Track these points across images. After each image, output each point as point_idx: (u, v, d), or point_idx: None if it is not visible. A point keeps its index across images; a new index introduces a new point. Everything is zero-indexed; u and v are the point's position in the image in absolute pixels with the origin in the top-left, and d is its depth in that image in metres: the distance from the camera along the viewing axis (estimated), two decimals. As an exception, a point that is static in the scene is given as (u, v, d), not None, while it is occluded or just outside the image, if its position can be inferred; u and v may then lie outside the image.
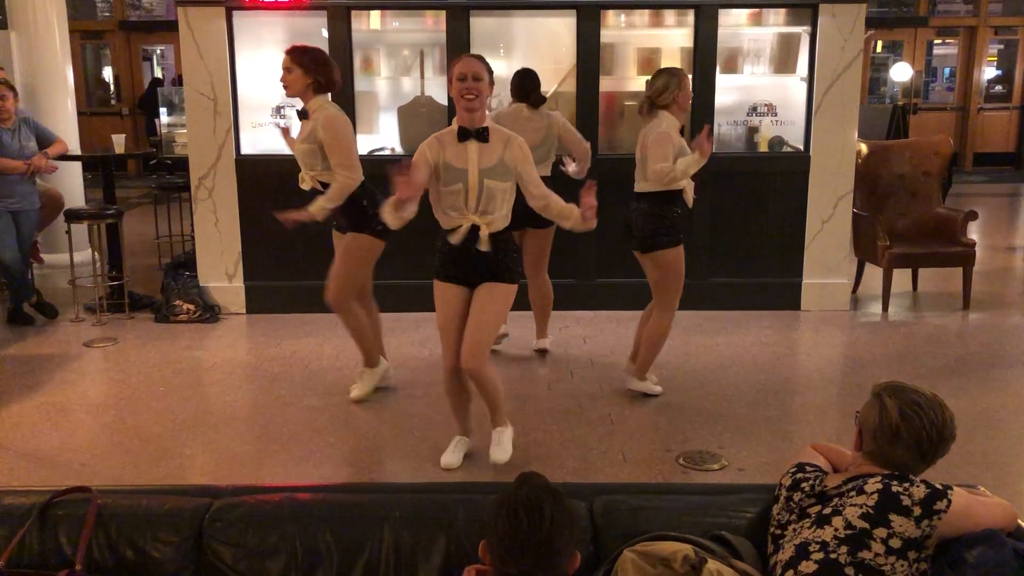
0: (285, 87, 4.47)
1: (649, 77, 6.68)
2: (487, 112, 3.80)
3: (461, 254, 3.74)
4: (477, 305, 3.78)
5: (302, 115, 4.51)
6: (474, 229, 3.69)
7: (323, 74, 4.45)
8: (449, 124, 6.31)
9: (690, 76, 6.40)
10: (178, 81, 9.30)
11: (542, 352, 5.64)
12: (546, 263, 5.49)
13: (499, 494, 1.95)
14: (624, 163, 6.52)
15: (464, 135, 3.67)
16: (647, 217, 4.61)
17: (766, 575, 2.10)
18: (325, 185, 4.46)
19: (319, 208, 4.41)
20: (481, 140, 3.68)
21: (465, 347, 3.77)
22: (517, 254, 3.95)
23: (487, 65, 3.72)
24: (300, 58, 4.43)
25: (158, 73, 15.57)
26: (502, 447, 4.05)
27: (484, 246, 3.70)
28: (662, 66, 6.68)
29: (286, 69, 4.44)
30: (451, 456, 4.10)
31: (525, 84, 5.37)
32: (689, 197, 4.66)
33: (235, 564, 2.16)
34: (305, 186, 4.53)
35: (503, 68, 6.96)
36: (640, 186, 4.67)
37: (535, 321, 5.64)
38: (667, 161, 4.46)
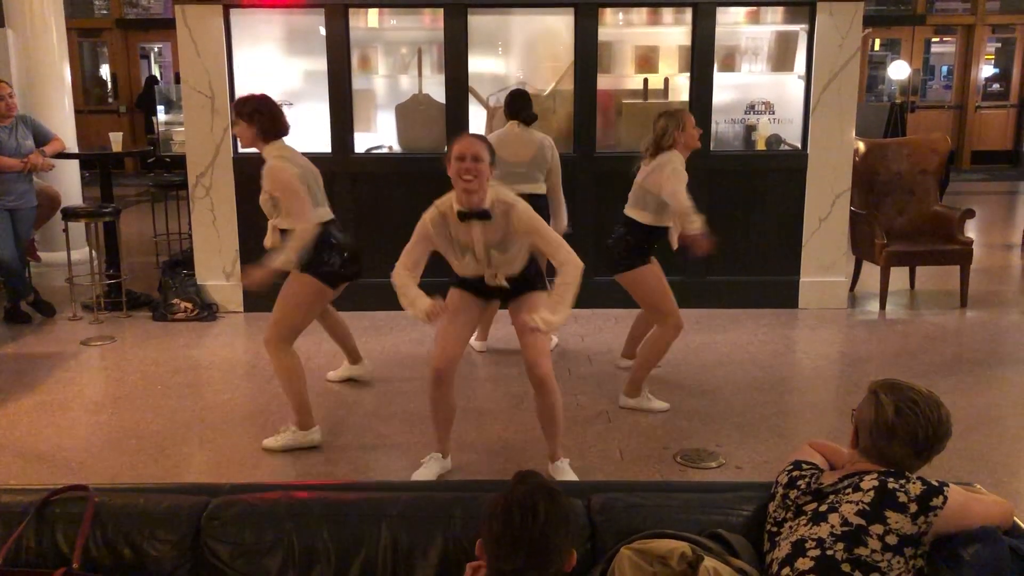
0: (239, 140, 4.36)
1: (648, 76, 6.74)
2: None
3: (484, 286, 3.82)
4: (520, 312, 3.76)
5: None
6: (493, 277, 3.76)
7: (266, 121, 4.14)
8: (447, 123, 6.37)
9: (686, 75, 6.44)
10: (177, 79, 9.29)
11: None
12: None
13: (496, 492, 1.95)
14: (622, 161, 6.51)
15: (464, 217, 3.60)
16: (620, 240, 4.64)
17: (763, 572, 2.10)
18: (285, 233, 4.16)
19: (284, 261, 4.10)
20: (483, 219, 3.60)
21: (533, 352, 3.67)
22: (536, 265, 3.89)
23: (488, 145, 3.60)
24: (240, 108, 4.18)
25: (155, 71, 15.54)
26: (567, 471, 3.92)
27: (505, 285, 3.78)
28: (660, 64, 6.74)
29: (232, 123, 4.34)
30: (425, 473, 3.94)
31: (516, 103, 5.41)
32: (674, 239, 4.69)
33: (232, 562, 2.16)
34: (267, 242, 4.27)
35: (501, 67, 6.98)
36: (631, 212, 4.63)
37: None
38: (684, 195, 4.49)
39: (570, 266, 3.62)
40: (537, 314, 3.56)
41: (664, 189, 4.47)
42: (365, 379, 5.15)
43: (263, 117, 4.16)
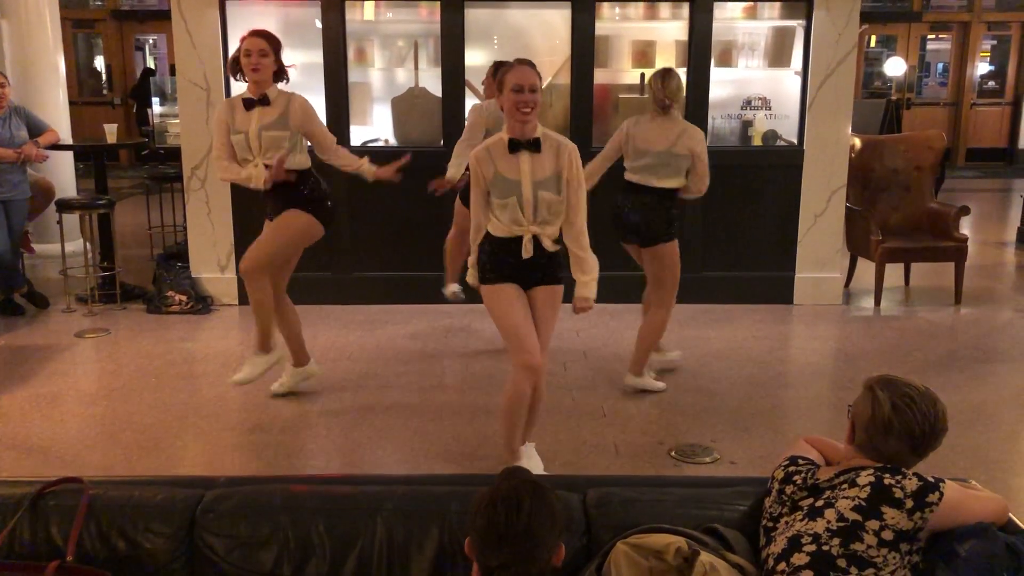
0: (255, 71, 4.24)
1: (645, 71, 6.73)
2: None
3: (515, 258, 3.57)
4: (540, 305, 3.63)
5: (256, 103, 4.28)
6: (532, 238, 3.55)
7: (280, 61, 4.40)
8: (443, 116, 6.35)
9: (683, 70, 6.43)
10: (172, 71, 9.27)
11: None
12: None
13: (482, 489, 1.95)
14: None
15: (515, 146, 3.50)
16: (654, 212, 4.64)
17: (758, 567, 2.10)
18: (297, 175, 4.42)
19: (372, 171, 4.58)
20: (533, 150, 3.50)
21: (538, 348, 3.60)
22: (565, 255, 3.71)
23: (539, 74, 3.51)
24: (276, 44, 4.34)
25: (151, 63, 15.48)
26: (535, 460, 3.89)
27: (551, 247, 3.58)
28: (656, 59, 6.73)
29: (261, 53, 4.25)
30: (537, 464, 3.82)
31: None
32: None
33: (227, 555, 2.16)
34: (258, 182, 4.30)
35: (496, 59, 6.95)
36: (665, 182, 4.63)
37: None
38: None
39: (585, 237, 3.61)
40: (579, 296, 3.62)
41: (704, 157, 4.60)
42: (312, 382, 4.92)
43: (279, 57, 4.39)
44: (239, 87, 6.36)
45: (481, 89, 5.97)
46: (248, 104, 4.30)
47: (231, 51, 6.30)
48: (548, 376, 5.08)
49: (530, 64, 3.54)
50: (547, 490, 1.93)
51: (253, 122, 4.28)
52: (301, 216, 4.43)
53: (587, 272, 3.64)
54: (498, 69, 5.37)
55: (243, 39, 4.33)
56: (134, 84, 14.52)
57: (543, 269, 3.60)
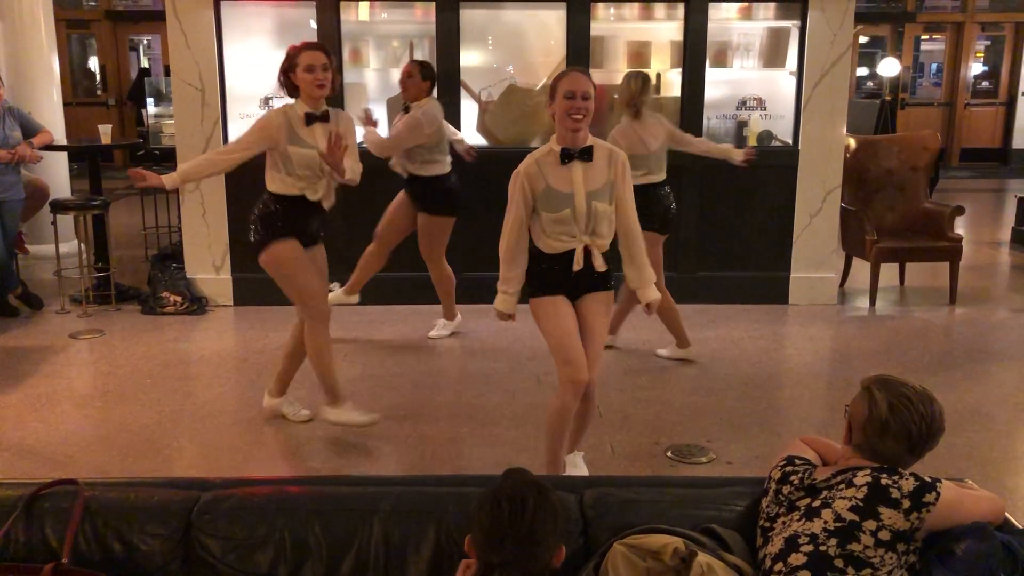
0: (322, 87, 3.97)
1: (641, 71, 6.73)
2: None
3: (566, 271, 3.47)
4: (590, 316, 3.53)
5: (318, 119, 4.03)
6: (586, 251, 3.45)
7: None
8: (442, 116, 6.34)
9: (678, 71, 6.44)
10: (167, 71, 9.25)
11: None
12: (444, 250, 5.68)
13: (485, 488, 1.95)
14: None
15: (567, 157, 3.40)
16: (669, 199, 5.15)
17: (755, 568, 2.10)
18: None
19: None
20: (585, 160, 3.41)
21: (592, 360, 3.52)
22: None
23: (593, 83, 3.42)
24: (331, 57, 4.08)
25: (145, 63, 15.45)
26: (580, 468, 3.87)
27: (601, 267, 3.48)
28: (652, 59, 6.74)
29: (325, 68, 3.97)
30: (583, 470, 3.84)
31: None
32: None
33: (224, 557, 2.15)
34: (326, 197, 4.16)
35: (493, 61, 6.96)
36: (661, 175, 5.09)
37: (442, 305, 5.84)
38: None
39: (640, 236, 3.57)
40: (643, 296, 3.57)
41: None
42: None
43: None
44: (235, 87, 6.40)
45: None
46: (310, 119, 4.00)
47: (226, 52, 6.34)
48: (545, 377, 5.12)
49: (583, 71, 3.48)
50: (550, 491, 1.93)
51: (320, 139, 3.98)
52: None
53: (650, 288, 3.57)
54: (423, 67, 5.40)
55: (299, 52, 3.99)
56: (131, 85, 14.49)
57: (595, 276, 3.52)
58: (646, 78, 5.10)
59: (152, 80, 10.24)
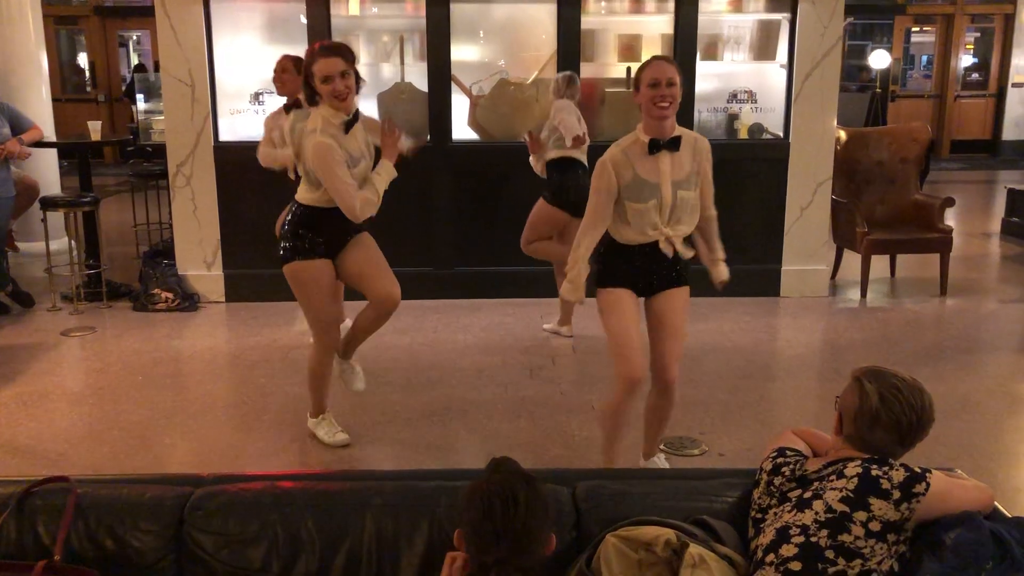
0: (341, 99, 3.70)
1: (631, 64, 6.74)
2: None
3: (641, 263, 3.45)
4: (670, 313, 3.50)
5: (353, 122, 3.84)
6: (667, 241, 3.43)
7: (357, 71, 3.97)
8: (430, 111, 6.34)
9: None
10: (157, 67, 9.21)
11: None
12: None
13: (472, 482, 1.95)
14: (605, 150, 6.52)
15: (655, 147, 3.36)
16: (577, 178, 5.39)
17: (747, 559, 2.11)
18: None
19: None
20: (673, 150, 3.37)
21: (670, 358, 3.50)
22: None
23: (679, 69, 3.37)
24: (351, 56, 3.78)
25: (134, 59, 15.39)
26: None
27: (685, 255, 3.48)
28: (643, 53, 6.75)
29: (343, 75, 3.68)
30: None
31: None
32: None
33: (217, 552, 2.15)
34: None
35: (484, 55, 6.96)
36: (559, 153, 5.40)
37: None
38: None
39: (715, 218, 3.63)
40: (715, 274, 3.63)
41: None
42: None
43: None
44: (225, 83, 6.38)
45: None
46: (348, 126, 3.78)
47: (216, 47, 6.32)
48: (538, 371, 5.13)
49: (667, 59, 3.43)
50: (537, 481, 1.93)
51: (363, 145, 3.84)
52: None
53: (720, 253, 3.64)
54: (299, 63, 4.90)
55: (313, 59, 3.69)
56: (129, 82, 14.42)
57: (670, 271, 3.49)
58: (572, 77, 5.52)
59: (148, 76, 10.18)
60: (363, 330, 4.21)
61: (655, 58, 3.44)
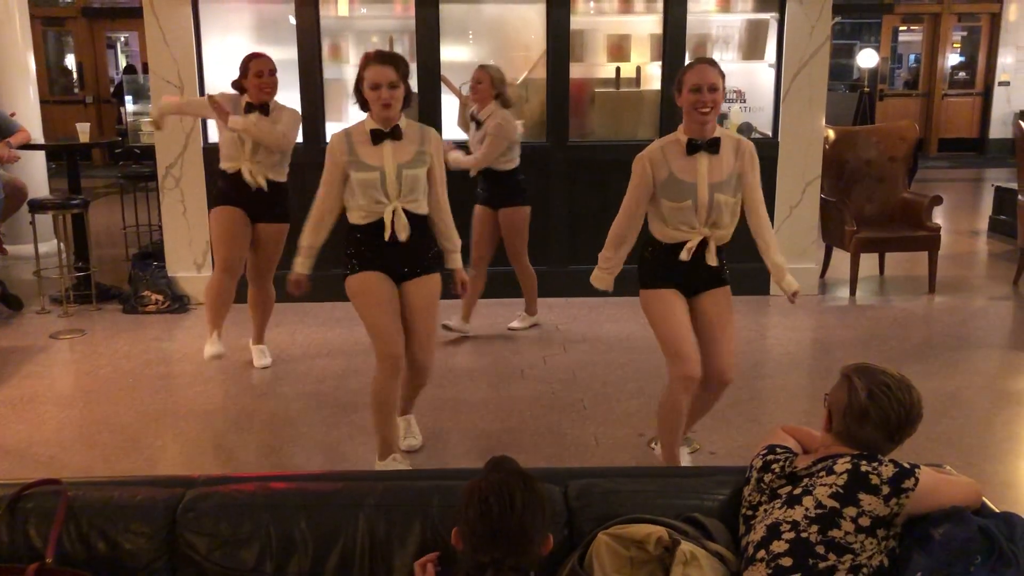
0: (388, 107, 3.56)
1: (620, 64, 6.75)
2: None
3: (681, 263, 3.45)
4: (717, 312, 3.51)
5: (387, 136, 3.64)
6: (702, 243, 3.44)
7: (409, 85, 3.87)
8: (419, 112, 6.33)
9: (658, 63, 6.45)
10: (145, 68, 9.18)
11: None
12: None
13: (470, 480, 1.96)
14: (595, 150, 6.55)
15: (694, 148, 3.38)
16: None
17: (738, 555, 2.13)
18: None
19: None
20: (712, 152, 3.39)
21: (726, 358, 3.52)
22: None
23: (722, 72, 3.38)
24: (405, 68, 3.65)
25: (122, 60, 15.33)
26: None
27: (713, 261, 3.46)
28: (632, 53, 6.76)
29: (392, 85, 3.55)
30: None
31: None
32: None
33: (209, 554, 2.15)
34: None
35: (473, 56, 6.95)
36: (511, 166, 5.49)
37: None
38: None
39: (770, 226, 3.57)
40: (786, 285, 3.55)
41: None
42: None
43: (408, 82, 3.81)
44: (214, 84, 6.36)
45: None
46: (377, 136, 3.61)
47: (204, 48, 6.30)
48: (529, 370, 5.14)
49: (710, 62, 3.42)
50: (535, 480, 1.94)
51: (388, 159, 3.62)
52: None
53: (783, 262, 3.58)
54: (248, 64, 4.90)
55: (366, 65, 3.60)
56: (118, 83, 14.37)
57: (711, 271, 3.49)
58: (497, 70, 5.48)
59: (139, 78, 10.15)
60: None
61: (698, 61, 3.44)
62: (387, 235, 3.59)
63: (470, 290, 5.47)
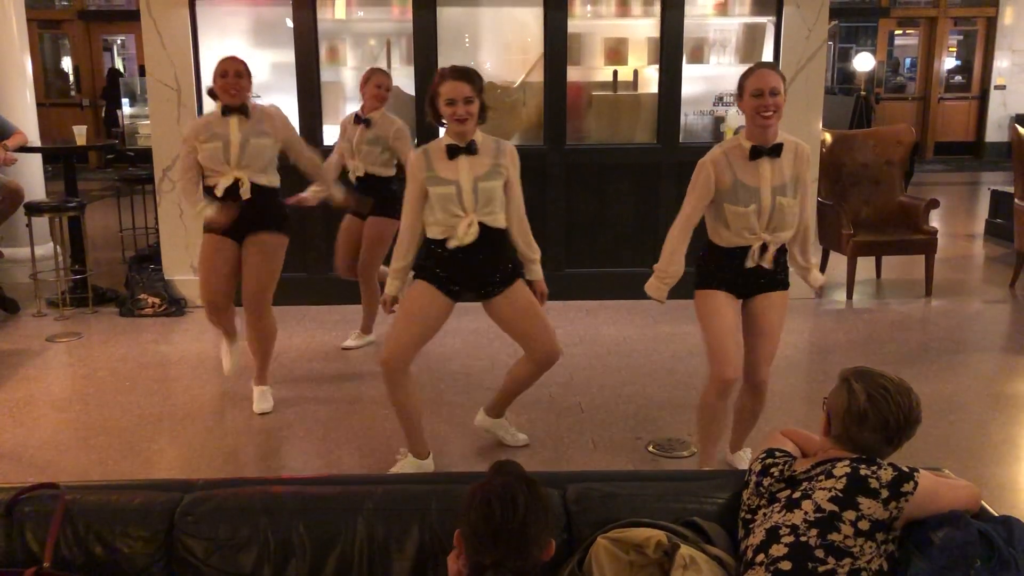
0: (464, 123, 3.57)
1: (617, 68, 6.76)
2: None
3: (739, 267, 3.48)
4: (767, 315, 3.54)
5: (463, 151, 3.62)
6: (762, 247, 3.46)
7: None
8: (416, 115, 6.33)
9: (655, 67, 6.45)
10: (142, 71, 9.17)
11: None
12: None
13: (474, 483, 1.96)
14: (592, 153, 6.56)
15: (757, 153, 3.39)
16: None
17: (737, 559, 2.12)
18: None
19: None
20: (774, 156, 3.41)
21: (762, 359, 3.57)
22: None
23: (782, 75, 3.42)
24: (481, 83, 3.67)
25: (119, 63, 15.31)
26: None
27: (768, 263, 3.47)
28: (628, 56, 6.77)
29: (467, 100, 3.55)
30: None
31: None
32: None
33: (207, 558, 2.14)
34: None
35: (471, 59, 6.96)
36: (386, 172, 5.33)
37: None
38: None
39: (810, 225, 3.66)
40: (812, 279, 3.68)
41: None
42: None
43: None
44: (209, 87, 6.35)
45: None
46: (452, 151, 3.61)
47: (201, 51, 6.30)
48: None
49: (771, 66, 3.46)
50: (538, 485, 1.94)
51: (463, 173, 3.61)
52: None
53: (815, 259, 3.69)
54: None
55: (441, 80, 3.61)
56: (103, 86, 14.36)
57: (768, 275, 3.52)
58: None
59: (127, 79, 10.15)
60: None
61: (759, 65, 3.45)
62: (459, 242, 3.59)
63: (365, 302, 5.50)
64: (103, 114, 14.09)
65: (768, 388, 3.70)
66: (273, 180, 4.47)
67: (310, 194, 5.02)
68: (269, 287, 4.48)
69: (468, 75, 3.59)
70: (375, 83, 5.24)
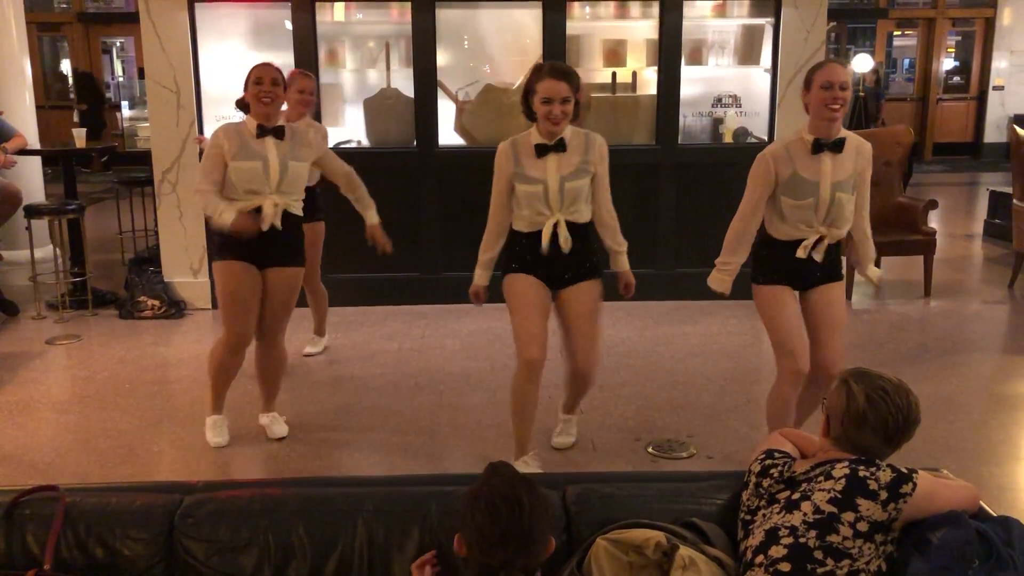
0: (557, 124, 3.57)
1: (616, 69, 6.76)
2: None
3: (794, 259, 3.50)
4: (829, 307, 3.56)
5: (551, 149, 3.62)
6: (818, 240, 3.48)
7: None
8: (416, 117, 6.34)
9: (654, 68, 6.46)
10: (141, 74, 9.17)
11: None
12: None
13: (471, 486, 1.96)
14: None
15: (819, 147, 3.42)
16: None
17: (737, 560, 2.13)
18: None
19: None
20: (836, 151, 3.43)
21: (836, 352, 3.57)
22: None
23: (850, 73, 3.47)
24: (578, 82, 3.64)
25: (118, 66, 15.31)
26: None
27: (819, 256, 3.50)
28: (627, 58, 6.77)
29: (564, 100, 3.53)
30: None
31: None
32: None
33: (207, 560, 2.15)
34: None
35: (469, 61, 6.97)
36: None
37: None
38: None
39: (867, 217, 3.66)
40: (870, 273, 3.73)
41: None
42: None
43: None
44: (210, 89, 6.36)
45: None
46: (541, 150, 3.59)
47: (201, 54, 6.30)
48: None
49: (841, 62, 3.49)
50: (536, 484, 1.96)
51: (551, 172, 3.60)
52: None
53: (871, 253, 3.73)
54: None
55: (539, 78, 3.53)
56: (79, 86, 14.31)
57: (824, 267, 3.54)
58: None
59: (122, 80, 10.14)
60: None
61: (828, 61, 3.53)
62: (544, 247, 3.61)
63: (313, 306, 5.43)
64: (76, 117, 13.92)
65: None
66: (300, 207, 4.11)
67: None
68: (287, 318, 4.24)
69: (567, 74, 3.54)
70: (309, 90, 4.98)
